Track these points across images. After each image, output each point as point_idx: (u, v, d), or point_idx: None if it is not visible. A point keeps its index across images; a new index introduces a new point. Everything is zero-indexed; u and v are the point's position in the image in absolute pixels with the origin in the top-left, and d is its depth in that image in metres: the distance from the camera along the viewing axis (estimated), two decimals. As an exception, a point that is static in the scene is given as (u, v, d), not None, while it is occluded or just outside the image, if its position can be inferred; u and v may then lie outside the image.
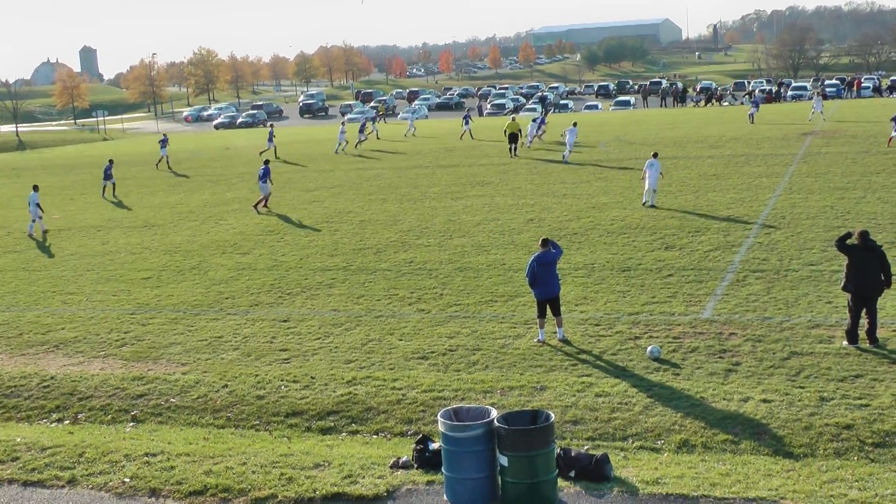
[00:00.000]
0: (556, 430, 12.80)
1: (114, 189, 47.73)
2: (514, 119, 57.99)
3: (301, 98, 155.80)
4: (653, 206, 33.77)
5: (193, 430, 15.97)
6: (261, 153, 61.25)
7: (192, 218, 38.59)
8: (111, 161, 49.53)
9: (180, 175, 55.71)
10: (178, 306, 24.25)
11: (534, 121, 60.58)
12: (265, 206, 38.95)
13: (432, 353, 18.98)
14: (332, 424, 15.82)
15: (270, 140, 62.72)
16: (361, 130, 65.51)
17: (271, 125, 73.68)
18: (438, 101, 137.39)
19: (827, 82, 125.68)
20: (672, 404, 15.45)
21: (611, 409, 15.39)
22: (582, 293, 22.84)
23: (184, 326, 22.24)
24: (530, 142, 56.97)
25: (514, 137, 53.07)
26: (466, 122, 67.19)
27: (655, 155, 35.46)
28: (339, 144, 62.40)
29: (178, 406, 17.13)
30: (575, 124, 53.43)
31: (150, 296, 25.66)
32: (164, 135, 66.54)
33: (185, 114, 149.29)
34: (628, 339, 19.09)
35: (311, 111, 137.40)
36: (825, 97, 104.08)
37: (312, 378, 17.83)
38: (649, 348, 18.08)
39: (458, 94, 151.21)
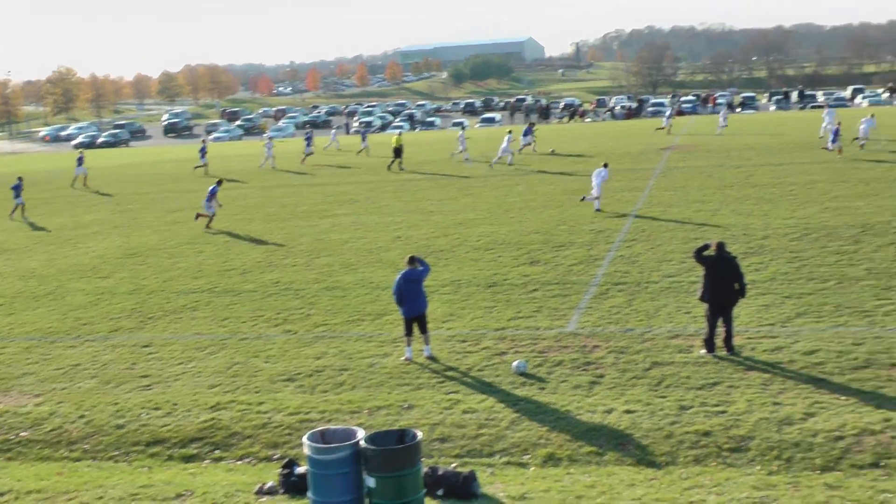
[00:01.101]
0: (423, 449, 12.77)
1: (19, 210, 45.18)
2: (400, 134, 59.66)
3: (165, 117, 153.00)
4: (598, 210, 35.42)
5: (46, 465, 15.38)
6: (195, 168, 60.69)
7: (49, 241, 37.41)
8: (20, 178, 46.38)
9: (102, 194, 53.83)
10: (31, 334, 23.43)
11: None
12: (208, 224, 37.76)
13: (299, 374, 18.78)
14: (195, 452, 15.47)
15: (203, 156, 61.15)
16: (308, 143, 64.80)
17: (204, 140, 71.33)
18: (306, 118, 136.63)
19: (683, 98, 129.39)
20: (538, 418, 15.60)
21: (478, 426, 15.45)
22: (449, 310, 22.93)
23: (38, 355, 21.47)
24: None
25: (398, 152, 54.20)
26: (334, 137, 67.16)
27: (605, 165, 37.27)
28: (266, 160, 61.50)
29: (30, 440, 16.48)
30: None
31: (1, 324, 24.74)
32: (81, 152, 64.10)
33: (42, 133, 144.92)
34: (495, 355, 19.22)
35: (176, 130, 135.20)
36: (681, 113, 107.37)
37: (175, 404, 17.44)
38: (515, 363, 18.23)
39: (325, 112, 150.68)
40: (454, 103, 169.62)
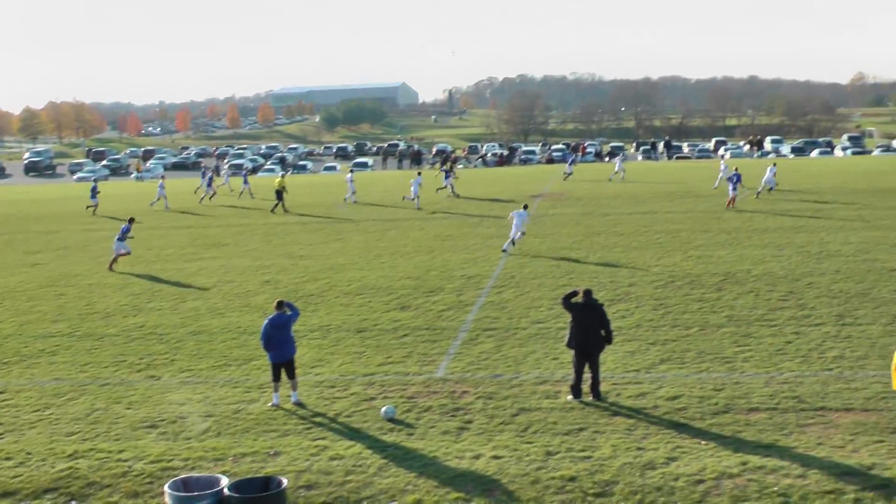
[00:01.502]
0: (289, 497, 12.56)
1: None
2: (283, 176, 60.94)
3: (26, 155, 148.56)
4: (503, 251, 36.54)
5: None
6: (87, 208, 58.96)
7: None
8: None
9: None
10: None
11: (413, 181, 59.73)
12: (112, 265, 36.58)
13: (162, 421, 18.31)
14: (49, 503, 14.88)
15: (94, 195, 59.44)
16: (209, 184, 63.84)
17: (95, 180, 69.20)
18: (175, 160, 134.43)
19: (554, 147, 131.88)
20: (406, 464, 15.51)
21: (345, 472, 15.27)
22: (317, 355, 22.72)
23: None
24: (414, 199, 54.87)
25: (280, 194, 54.40)
26: (210, 182, 66.21)
27: (525, 206, 39.03)
28: (158, 199, 60.18)
29: None
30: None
31: None
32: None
33: None
34: (363, 401, 19.09)
35: (38, 169, 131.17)
36: (551, 161, 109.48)
37: (28, 454, 16.75)
38: (384, 409, 18.13)
39: (195, 154, 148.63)
40: (326, 147, 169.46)
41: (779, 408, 17.68)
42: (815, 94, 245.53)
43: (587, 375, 18.75)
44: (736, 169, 52.48)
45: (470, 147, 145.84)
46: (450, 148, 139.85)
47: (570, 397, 18.69)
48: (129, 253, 36.70)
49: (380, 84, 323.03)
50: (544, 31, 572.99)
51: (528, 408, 18.23)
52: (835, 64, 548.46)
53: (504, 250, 36.34)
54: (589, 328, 18.65)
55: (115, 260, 36.49)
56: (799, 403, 17.88)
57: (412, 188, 54.71)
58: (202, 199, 62.89)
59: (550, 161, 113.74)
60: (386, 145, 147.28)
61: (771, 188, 53.75)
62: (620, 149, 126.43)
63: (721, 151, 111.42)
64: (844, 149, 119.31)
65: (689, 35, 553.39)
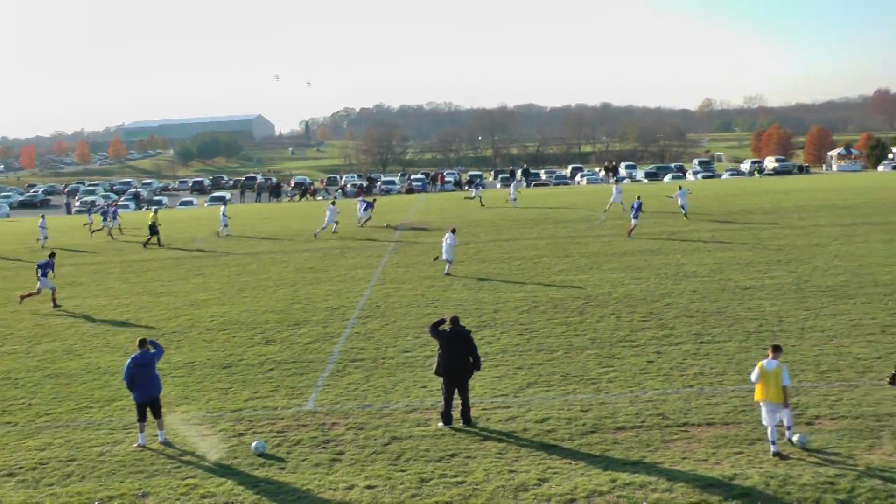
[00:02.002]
0: (159, 539, 12.25)
1: None
2: (155, 211, 59.96)
3: None
4: (448, 274, 37.12)
5: None
6: (37, 240, 58.26)
7: None
8: None
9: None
10: None
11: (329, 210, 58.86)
12: (30, 297, 35.67)
13: (20, 468, 17.64)
14: None
15: (43, 231, 58.48)
16: (113, 217, 62.79)
17: (42, 216, 65.78)
18: (21, 198, 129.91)
19: (413, 177, 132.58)
20: (279, 499, 15.33)
21: (216, 511, 14.99)
22: (183, 392, 22.26)
23: None
24: (321, 230, 55.62)
25: (153, 229, 54.04)
26: (114, 216, 64.23)
27: (454, 231, 39.41)
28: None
29: None
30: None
31: None
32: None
33: None
34: (232, 437, 18.79)
35: None
36: (410, 191, 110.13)
37: None
38: (254, 444, 17.88)
39: (42, 191, 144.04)
40: (182, 182, 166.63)
41: (644, 425, 18.12)
42: (666, 120, 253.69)
43: (457, 402, 18.88)
44: (638, 197, 52.07)
45: (329, 178, 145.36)
46: (308, 180, 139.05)
47: (440, 424, 18.77)
48: (42, 290, 35.67)
49: (235, 117, 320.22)
50: (399, 61, 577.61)
51: (399, 436, 18.24)
52: (684, 91, 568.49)
53: (447, 273, 37.57)
54: (456, 355, 18.77)
55: (32, 294, 35.92)
56: (663, 420, 18.37)
57: (327, 216, 55.45)
58: (94, 231, 61.98)
59: (410, 191, 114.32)
60: (243, 178, 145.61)
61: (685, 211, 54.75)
62: (479, 177, 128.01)
63: (612, 179, 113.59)
64: (695, 173, 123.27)
65: (542, 64, 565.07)
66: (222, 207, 62.72)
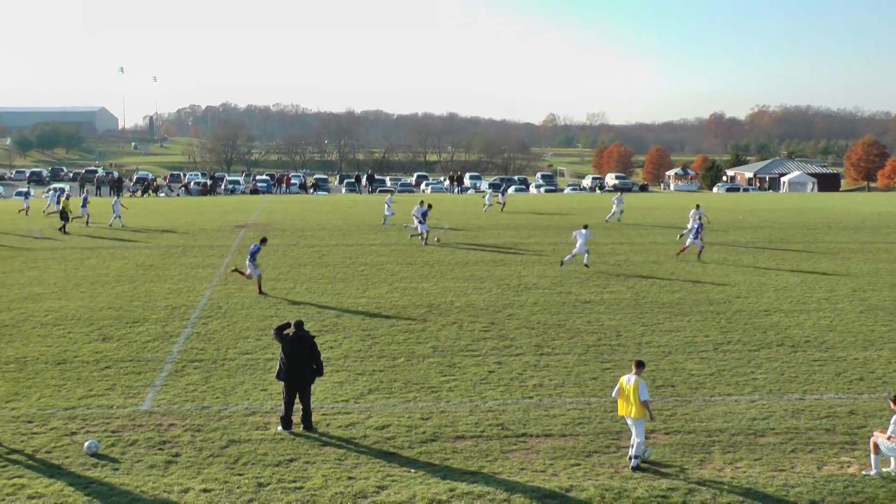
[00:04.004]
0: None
1: None
2: (68, 198, 59.06)
3: None
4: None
5: None
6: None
7: None
8: None
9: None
10: None
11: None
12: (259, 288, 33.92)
13: None
14: None
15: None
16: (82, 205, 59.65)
17: (86, 191, 62.23)
18: None
19: (258, 178, 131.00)
20: (111, 500, 15.00)
21: (45, 512, 14.55)
22: (13, 389, 21.51)
23: None
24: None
25: (64, 215, 53.64)
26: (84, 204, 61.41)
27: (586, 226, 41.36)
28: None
29: None
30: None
31: None
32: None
33: None
34: (64, 436, 18.27)
35: None
36: (256, 192, 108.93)
37: None
38: (86, 443, 17.43)
39: None
40: (18, 172, 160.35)
41: (484, 435, 18.42)
42: (511, 133, 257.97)
43: (298, 406, 18.81)
44: (699, 209, 49.63)
45: (172, 175, 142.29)
46: (151, 175, 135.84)
47: (280, 428, 18.68)
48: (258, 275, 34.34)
49: (77, 108, 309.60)
50: (247, 61, 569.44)
51: (237, 439, 18.07)
52: (529, 105, 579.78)
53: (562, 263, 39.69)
54: (299, 360, 18.72)
55: (247, 276, 34.56)
56: (502, 431, 18.72)
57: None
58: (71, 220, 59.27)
59: (255, 191, 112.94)
60: (84, 171, 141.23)
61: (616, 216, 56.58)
62: (324, 181, 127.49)
63: (599, 191, 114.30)
64: (538, 186, 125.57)
65: (390, 71, 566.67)
66: (84, 195, 61.06)
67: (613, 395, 17.36)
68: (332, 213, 68.18)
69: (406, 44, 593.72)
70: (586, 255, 39.53)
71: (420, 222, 47.35)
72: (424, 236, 47.58)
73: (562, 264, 39.66)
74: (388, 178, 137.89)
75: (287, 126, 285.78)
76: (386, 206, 58.71)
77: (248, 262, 34.13)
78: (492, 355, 24.89)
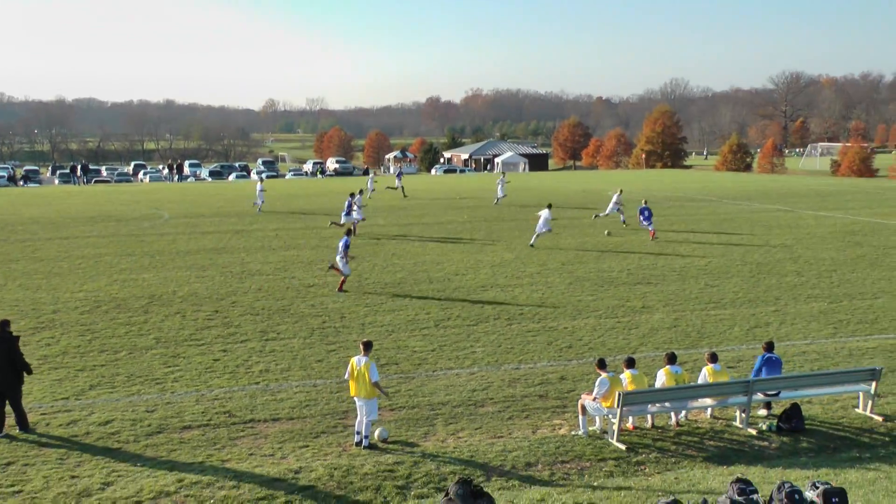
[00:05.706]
0: None
1: None
2: None
3: None
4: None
5: None
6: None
7: None
8: None
9: None
10: None
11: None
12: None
13: None
14: None
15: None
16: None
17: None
18: None
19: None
20: None
21: None
22: None
23: None
24: None
25: None
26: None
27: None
28: None
29: None
30: None
31: None
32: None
33: None
34: None
35: None
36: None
37: None
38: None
39: None
40: None
41: (211, 423, 18.34)
42: (231, 119, 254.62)
43: (10, 410, 18.01)
44: (645, 201, 49.05)
45: None
46: None
47: (-8, 434, 17.86)
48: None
49: None
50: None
51: (-52, 447, 17.16)
52: (248, 91, 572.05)
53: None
54: (2, 363, 17.79)
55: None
56: (229, 418, 18.68)
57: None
58: None
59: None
60: None
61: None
62: (35, 172, 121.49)
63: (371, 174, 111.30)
64: (259, 172, 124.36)
65: (102, 58, 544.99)
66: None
67: (346, 376, 17.71)
68: (45, 205, 65.28)
69: (118, 33, 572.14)
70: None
71: None
72: None
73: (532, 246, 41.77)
74: (103, 168, 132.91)
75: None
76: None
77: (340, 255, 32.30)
78: (217, 343, 24.70)
